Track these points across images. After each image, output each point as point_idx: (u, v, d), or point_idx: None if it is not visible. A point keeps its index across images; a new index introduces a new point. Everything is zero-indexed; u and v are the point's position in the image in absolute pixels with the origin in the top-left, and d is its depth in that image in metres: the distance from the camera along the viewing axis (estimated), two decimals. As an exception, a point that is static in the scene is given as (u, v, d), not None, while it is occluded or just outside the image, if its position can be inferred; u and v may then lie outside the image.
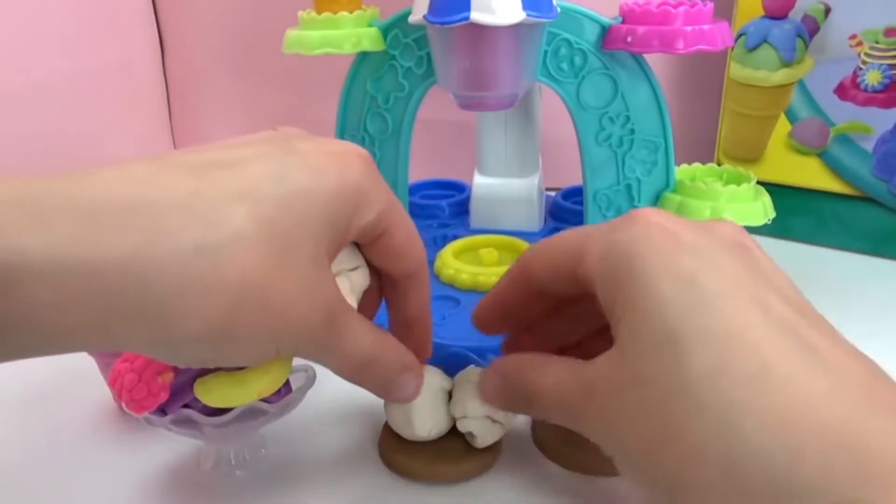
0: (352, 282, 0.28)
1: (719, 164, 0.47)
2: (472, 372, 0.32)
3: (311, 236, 0.24)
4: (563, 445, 0.32)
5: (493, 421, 0.31)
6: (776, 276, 0.24)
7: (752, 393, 0.20)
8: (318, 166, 0.24)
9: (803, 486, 0.19)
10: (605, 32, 0.42)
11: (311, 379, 0.32)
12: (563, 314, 0.30)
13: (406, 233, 0.28)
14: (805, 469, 0.19)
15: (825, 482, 0.19)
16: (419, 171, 0.54)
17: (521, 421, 0.35)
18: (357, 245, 0.29)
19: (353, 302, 0.28)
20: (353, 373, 0.28)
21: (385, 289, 0.31)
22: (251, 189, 0.23)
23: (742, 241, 0.24)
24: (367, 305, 0.30)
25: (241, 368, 0.29)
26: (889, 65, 0.51)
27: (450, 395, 0.32)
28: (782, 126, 0.56)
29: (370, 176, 0.26)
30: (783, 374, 0.20)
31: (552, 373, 0.26)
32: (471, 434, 0.32)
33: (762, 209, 0.42)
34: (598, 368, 0.24)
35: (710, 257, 0.22)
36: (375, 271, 0.30)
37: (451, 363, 0.36)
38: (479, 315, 0.31)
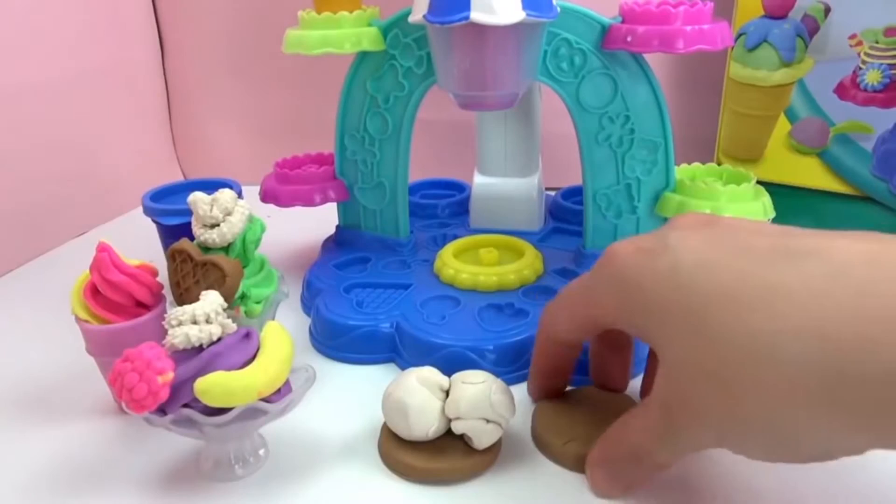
0: None
1: (719, 164, 0.46)
2: (467, 373, 0.32)
3: None
4: (563, 444, 0.33)
5: (488, 422, 0.31)
6: (745, 223, 0.26)
7: (769, 315, 0.23)
8: None
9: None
10: (605, 32, 0.42)
11: (311, 379, 0.32)
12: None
13: None
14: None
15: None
16: (419, 171, 0.54)
17: (519, 421, 0.35)
18: None
19: None
20: None
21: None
22: None
23: (705, 220, 0.27)
24: None
25: (241, 367, 0.30)
26: (889, 64, 0.51)
27: (447, 395, 0.32)
28: (782, 126, 0.56)
29: None
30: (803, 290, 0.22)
31: (640, 423, 0.28)
32: (467, 436, 0.32)
33: (762, 209, 0.42)
34: (661, 389, 0.27)
35: (681, 247, 0.26)
36: None
37: (449, 363, 0.36)
38: (535, 392, 0.36)
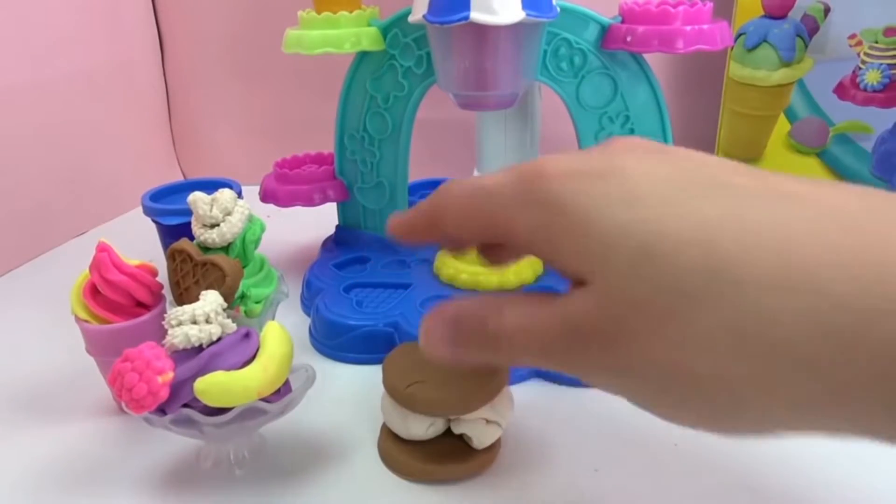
0: None
1: (719, 164, 0.47)
2: None
3: None
4: (405, 388, 0.31)
5: (488, 422, 0.31)
6: (702, 154, 0.23)
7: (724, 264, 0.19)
8: None
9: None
10: (605, 32, 0.42)
11: (311, 379, 0.32)
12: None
13: None
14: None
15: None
16: (419, 171, 0.54)
17: (519, 420, 0.35)
18: None
19: None
20: None
21: None
22: None
23: (654, 145, 0.24)
24: None
25: (241, 367, 0.30)
26: (888, 64, 0.51)
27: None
28: (782, 126, 0.56)
29: None
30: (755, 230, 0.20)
31: (526, 312, 0.24)
32: (467, 436, 0.32)
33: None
34: (577, 304, 0.22)
35: (636, 171, 0.22)
36: None
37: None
38: (395, 226, 0.28)
